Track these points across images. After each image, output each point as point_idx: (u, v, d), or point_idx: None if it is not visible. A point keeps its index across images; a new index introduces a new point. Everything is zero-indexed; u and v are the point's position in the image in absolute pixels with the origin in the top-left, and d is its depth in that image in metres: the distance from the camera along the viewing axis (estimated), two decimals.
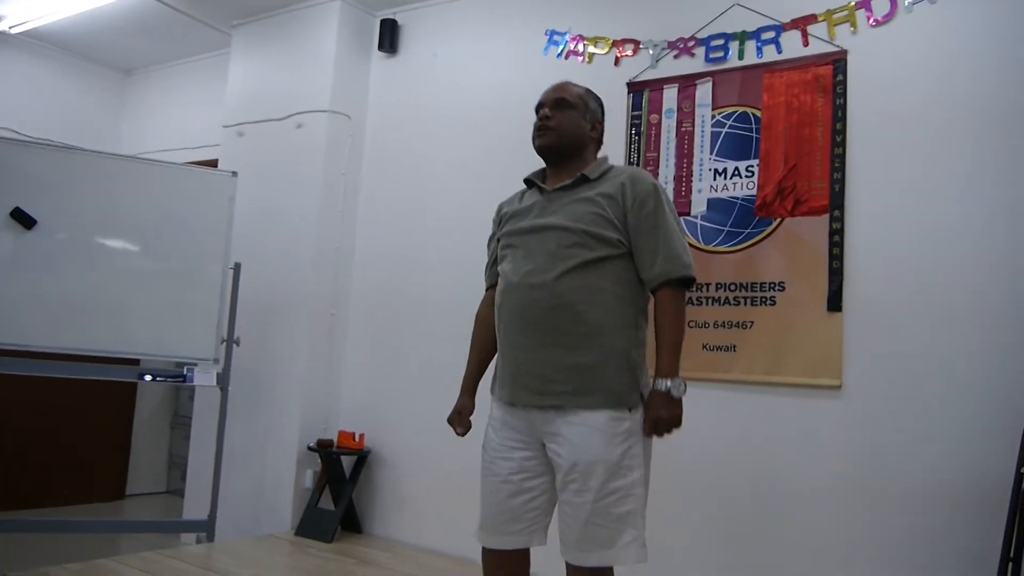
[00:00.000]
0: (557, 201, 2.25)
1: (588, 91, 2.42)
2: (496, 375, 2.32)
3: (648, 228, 2.16)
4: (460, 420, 2.43)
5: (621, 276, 2.17)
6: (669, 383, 2.07)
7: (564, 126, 2.29)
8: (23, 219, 3.87)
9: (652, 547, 3.32)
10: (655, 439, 2.18)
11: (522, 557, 2.27)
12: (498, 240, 2.41)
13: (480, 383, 2.49)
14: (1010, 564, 2.60)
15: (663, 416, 2.07)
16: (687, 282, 2.17)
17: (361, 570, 3.74)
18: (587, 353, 2.10)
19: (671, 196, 3.58)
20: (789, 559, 3.17)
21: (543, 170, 2.39)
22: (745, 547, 3.28)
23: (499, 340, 2.29)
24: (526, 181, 2.41)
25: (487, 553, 2.28)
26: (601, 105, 2.44)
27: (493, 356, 2.40)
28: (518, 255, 2.26)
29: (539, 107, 2.37)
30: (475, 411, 2.44)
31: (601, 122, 2.42)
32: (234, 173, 4.36)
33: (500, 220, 2.44)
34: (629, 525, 2.06)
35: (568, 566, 2.14)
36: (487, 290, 2.50)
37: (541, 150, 2.33)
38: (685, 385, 2.10)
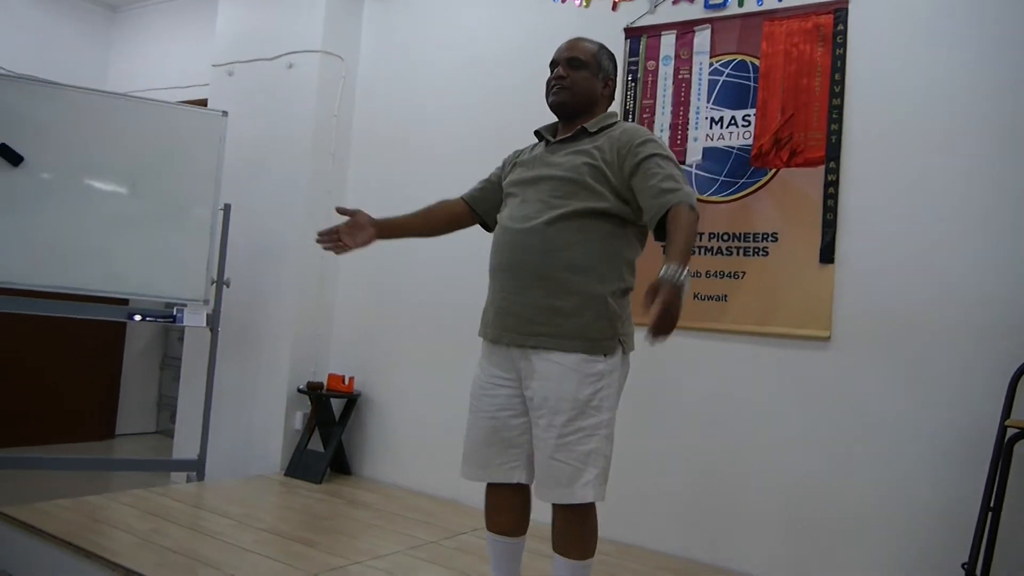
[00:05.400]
0: (557, 152, 2.29)
1: (602, 47, 2.41)
2: (483, 316, 2.36)
3: (645, 171, 2.14)
4: (345, 227, 2.45)
5: (609, 227, 2.19)
6: (677, 271, 1.84)
7: (578, 84, 2.32)
8: (9, 156, 3.82)
9: (638, 492, 3.39)
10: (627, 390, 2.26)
11: (520, 494, 2.33)
12: (502, 187, 2.44)
13: (405, 243, 2.69)
14: (989, 514, 2.65)
15: (673, 302, 1.80)
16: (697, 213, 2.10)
17: (350, 511, 3.79)
18: (567, 297, 2.14)
19: (667, 144, 3.56)
20: (774, 506, 3.22)
21: (555, 124, 2.42)
22: (728, 493, 3.32)
23: (490, 283, 2.33)
24: (536, 133, 2.44)
25: (489, 490, 2.35)
26: (614, 62, 2.44)
27: (424, 228, 2.55)
28: (515, 203, 2.31)
29: (553, 64, 2.37)
30: (370, 241, 2.48)
31: (613, 79, 2.43)
32: (224, 113, 4.30)
33: (505, 165, 2.49)
34: (590, 464, 2.11)
35: (553, 505, 2.19)
36: (460, 197, 2.57)
37: (554, 107, 2.35)
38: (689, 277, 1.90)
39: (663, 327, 1.82)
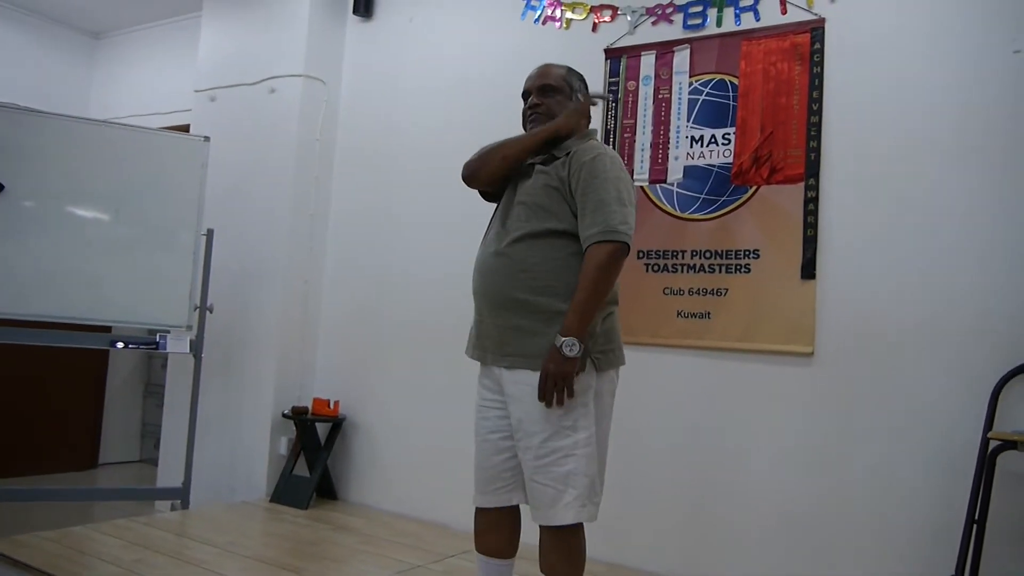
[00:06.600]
0: (527, 177, 2.31)
1: (570, 70, 2.44)
2: (469, 335, 2.40)
3: (584, 194, 2.17)
4: None
5: (571, 246, 2.20)
6: (562, 340, 2.06)
7: (553, 110, 2.35)
8: None
9: (625, 511, 3.37)
10: (614, 401, 2.27)
11: (508, 515, 2.33)
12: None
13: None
14: (974, 527, 2.66)
15: (550, 370, 2.07)
16: (617, 245, 2.13)
17: (336, 536, 3.75)
18: (532, 317, 2.16)
19: (647, 163, 3.59)
20: (757, 523, 3.21)
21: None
22: (714, 511, 3.31)
23: (474, 305, 2.35)
24: None
25: (477, 512, 2.35)
26: (583, 81, 2.46)
27: None
28: (488, 228, 2.37)
29: (526, 94, 2.41)
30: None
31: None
32: (206, 138, 4.30)
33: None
34: (570, 485, 2.11)
35: (540, 526, 2.19)
36: None
37: None
38: (580, 347, 2.07)
39: (542, 394, 2.06)
